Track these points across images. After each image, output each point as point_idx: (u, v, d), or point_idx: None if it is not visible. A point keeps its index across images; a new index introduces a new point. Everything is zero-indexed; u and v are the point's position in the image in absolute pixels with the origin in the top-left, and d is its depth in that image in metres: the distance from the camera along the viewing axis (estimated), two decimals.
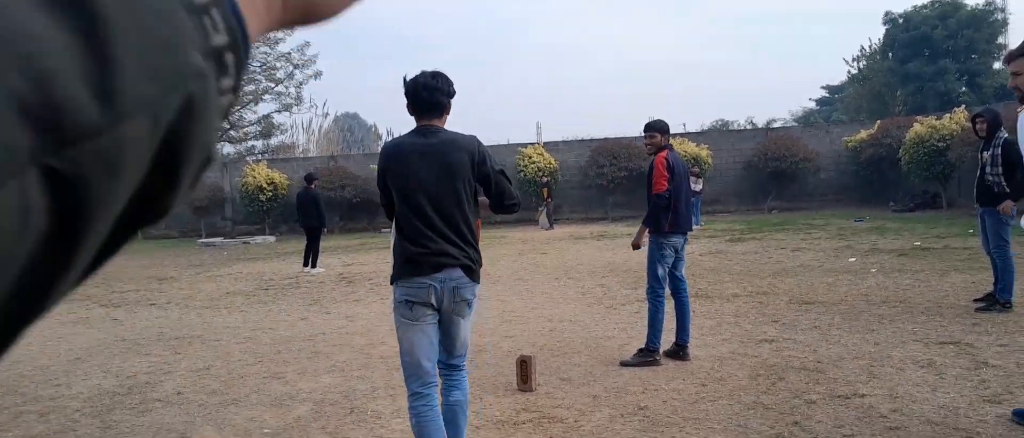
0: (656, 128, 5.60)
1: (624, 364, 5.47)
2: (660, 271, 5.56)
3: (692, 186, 18.53)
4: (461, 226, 3.20)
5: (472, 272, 3.23)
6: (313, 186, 13.68)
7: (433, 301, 3.13)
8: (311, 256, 13.26)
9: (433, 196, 3.15)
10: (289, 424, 4.56)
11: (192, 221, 26.61)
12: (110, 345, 7.36)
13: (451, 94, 3.30)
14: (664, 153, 5.53)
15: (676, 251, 5.62)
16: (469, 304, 3.23)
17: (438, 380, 3.25)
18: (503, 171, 3.44)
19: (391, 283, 3.28)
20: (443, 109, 3.28)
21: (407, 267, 3.15)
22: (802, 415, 4.20)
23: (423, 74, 3.26)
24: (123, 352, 7.01)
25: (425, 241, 3.13)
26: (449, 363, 3.33)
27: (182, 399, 5.26)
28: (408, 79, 3.27)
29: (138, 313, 9.28)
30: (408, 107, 3.28)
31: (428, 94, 3.22)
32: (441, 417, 3.20)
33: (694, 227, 17.67)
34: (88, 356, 6.81)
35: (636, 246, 5.85)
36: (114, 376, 6.07)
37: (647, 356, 5.49)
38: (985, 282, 7.94)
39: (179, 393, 5.42)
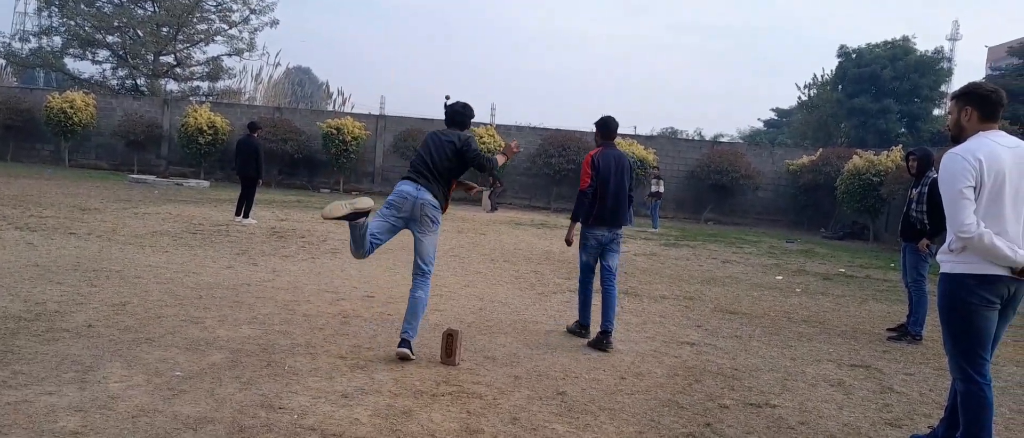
0: (596, 125, 6.14)
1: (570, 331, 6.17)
2: (583, 258, 6.08)
3: (653, 188, 18.81)
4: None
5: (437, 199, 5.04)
6: (256, 135, 13.31)
7: (405, 210, 4.97)
8: (244, 206, 12.92)
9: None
10: (203, 369, 4.44)
11: (125, 155, 25.67)
12: (21, 269, 7.04)
13: (471, 116, 5.50)
14: (593, 151, 5.99)
15: (600, 243, 5.95)
16: (432, 220, 4.99)
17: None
18: (478, 151, 5.25)
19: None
20: (463, 126, 5.43)
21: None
22: (714, 418, 4.30)
23: (459, 102, 5.47)
24: (34, 277, 6.72)
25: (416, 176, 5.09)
26: (420, 268, 5.05)
27: (92, 332, 5.07)
28: (450, 103, 5.49)
29: (55, 240, 8.89)
30: (446, 121, 5.43)
31: (459, 117, 5.41)
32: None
33: (653, 229, 17.71)
34: None
35: (568, 242, 6.16)
36: (22, 301, 5.81)
37: (577, 329, 6.12)
38: (899, 313, 8.27)
39: (90, 326, 5.23)
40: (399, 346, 4.96)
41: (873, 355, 6.20)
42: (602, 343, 5.68)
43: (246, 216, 12.85)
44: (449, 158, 5.13)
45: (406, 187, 4.98)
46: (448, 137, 5.20)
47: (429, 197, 4.96)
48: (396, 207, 4.95)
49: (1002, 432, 4.29)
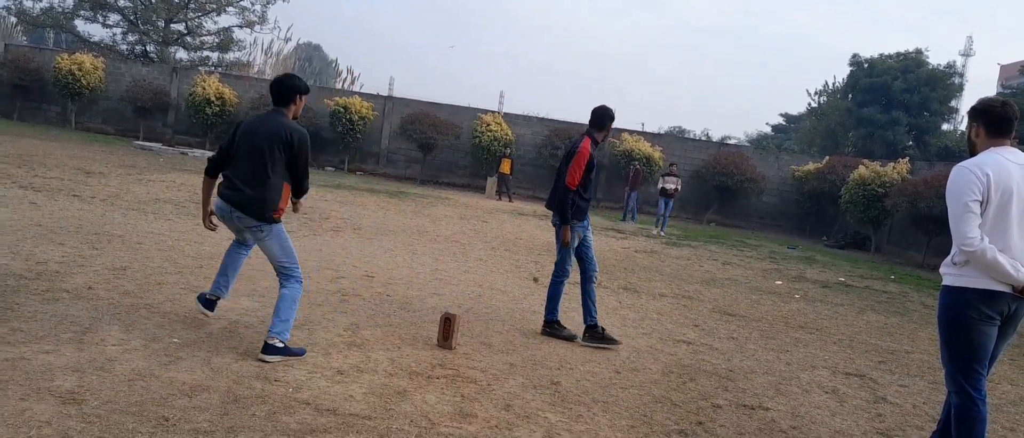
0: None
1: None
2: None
3: (660, 184, 18.57)
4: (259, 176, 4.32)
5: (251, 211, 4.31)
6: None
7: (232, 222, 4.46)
8: None
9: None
10: (200, 337, 4.45)
11: (131, 121, 25.64)
12: (24, 228, 7.06)
13: (302, 90, 4.50)
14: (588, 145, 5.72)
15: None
16: (250, 230, 4.41)
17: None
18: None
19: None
20: (290, 101, 4.45)
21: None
22: (707, 417, 4.31)
23: (288, 75, 4.54)
24: (36, 237, 6.73)
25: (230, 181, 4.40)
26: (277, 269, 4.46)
27: (92, 294, 5.08)
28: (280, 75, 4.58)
29: (59, 202, 8.90)
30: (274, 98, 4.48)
31: (286, 93, 4.44)
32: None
33: (657, 231, 17.32)
34: None
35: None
36: (23, 259, 5.82)
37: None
38: (897, 326, 8.28)
39: (90, 288, 5.24)
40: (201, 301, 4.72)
41: (868, 365, 6.20)
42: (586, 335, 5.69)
43: None
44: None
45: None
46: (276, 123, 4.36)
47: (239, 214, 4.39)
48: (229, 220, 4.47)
49: None
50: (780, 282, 10.92)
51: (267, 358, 4.16)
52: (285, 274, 4.41)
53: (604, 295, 7.59)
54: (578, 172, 5.52)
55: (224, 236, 8.22)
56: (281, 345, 4.23)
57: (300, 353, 4.35)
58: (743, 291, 9.54)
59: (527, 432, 3.69)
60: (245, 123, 4.47)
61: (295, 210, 4.93)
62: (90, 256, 6.27)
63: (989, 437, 3.89)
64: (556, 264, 5.80)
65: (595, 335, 5.61)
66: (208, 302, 4.72)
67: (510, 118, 24.87)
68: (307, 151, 4.41)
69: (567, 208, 5.50)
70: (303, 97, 4.52)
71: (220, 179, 4.49)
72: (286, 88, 4.43)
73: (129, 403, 3.35)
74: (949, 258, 3.61)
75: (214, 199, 4.47)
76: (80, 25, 33.69)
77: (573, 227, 5.54)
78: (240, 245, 4.81)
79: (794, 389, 5.14)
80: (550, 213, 5.82)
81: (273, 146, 4.26)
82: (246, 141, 4.33)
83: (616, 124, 6.10)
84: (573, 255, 5.72)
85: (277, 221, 4.38)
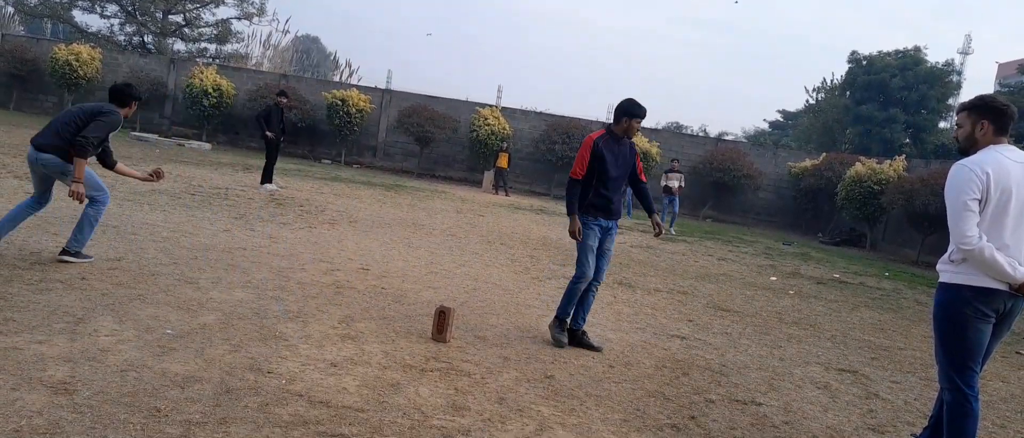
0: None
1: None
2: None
3: (664, 181, 18.38)
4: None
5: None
6: (279, 101, 13.44)
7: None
8: (265, 172, 13.14)
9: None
10: (194, 328, 4.45)
11: None
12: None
13: (135, 97, 6.00)
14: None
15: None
16: (44, 165, 5.61)
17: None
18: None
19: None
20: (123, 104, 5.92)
21: None
22: (699, 412, 4.32)
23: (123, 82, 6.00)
24: (29, 226, 6.71)
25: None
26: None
27: (86, 285, 5.07)
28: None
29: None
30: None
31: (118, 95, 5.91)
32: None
33: (669, 230, 16.94)
34: None
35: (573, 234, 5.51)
36: (16, 248, 5.82)
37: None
38: (891, 322, 8.30)
39: (83, 278, 5.23)
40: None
41: (861, 361, 6.22)
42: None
43: (264, 182, 13.01)
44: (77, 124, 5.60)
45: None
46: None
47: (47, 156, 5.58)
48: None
49: None
50: (775, 278, 10.94)
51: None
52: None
53: (599, 290, 7.59)
54: (578, 162, 5.33)
55: (219, 228, 8.23)
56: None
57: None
58: (738, 287, 9.55)
59: (520, 425, 3.69)
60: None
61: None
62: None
63: (979, 434, 3.91)
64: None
65: (574, 337, 5.41)
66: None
67: (508, 112, 24.86)
68: (102, 122, 5.64)
69: (568, 199, 5.33)
70: (136, 102, 5.98)
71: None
72: (121, 92, 5.85)
73: (121, 394, 3.34)
74: (946, 256, 3.61)
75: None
76: (78, 15, 33.65)
77: (579, 220, 5.24)
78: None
79: (787, 384, 5.16)
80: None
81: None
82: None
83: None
84: (593, 254, 5.31)
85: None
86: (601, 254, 5.41)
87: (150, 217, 8.25)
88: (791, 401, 4.78)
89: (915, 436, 4.18)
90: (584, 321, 5.48)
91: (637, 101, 5.38)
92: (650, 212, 5.63)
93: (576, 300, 5.39)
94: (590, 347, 5.34)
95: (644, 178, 5.66)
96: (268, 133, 13.11)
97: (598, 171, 5.28)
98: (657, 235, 5.64)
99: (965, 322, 3.51)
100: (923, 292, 11.43)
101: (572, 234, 5.28)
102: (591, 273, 5.32)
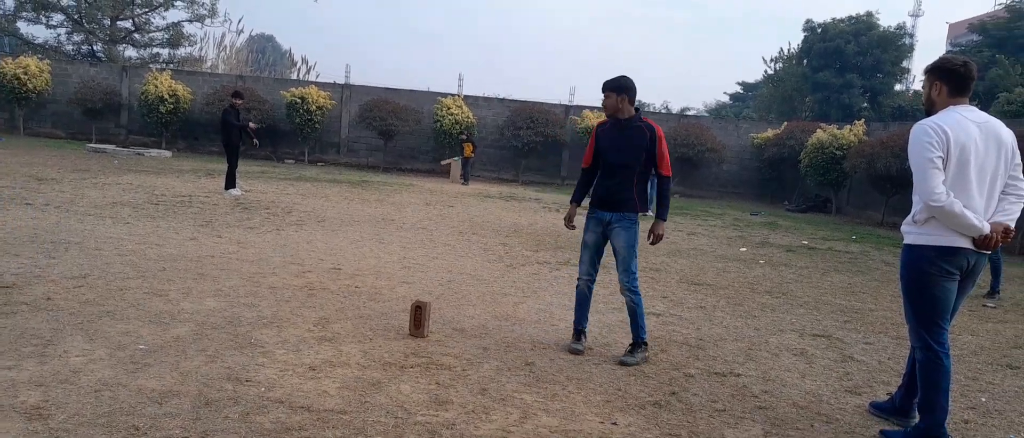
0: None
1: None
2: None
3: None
4: None
5: None
6: (234, 104, 13.16)
7: None
8: (227, 176, 12.95)
9: None
10: (167, 342, 4.38)
11: (82, 123, 24.96)
12: None
13: None
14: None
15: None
16: None
17: None
18: None
19: None
20: None
21: None
22: (680, 387, 4.36)
23: None
24: None
25: None
26: None
27: (52, 305, 4.96)
28: None
29: (11, 211, 8.65)
30: None
31: None
32: None
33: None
34: None
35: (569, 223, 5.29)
36: None
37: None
38: (861, 285, 8.46)
39: (49, 299, 5.11)
40: None
41: (834, 325, 6.33)
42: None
43: (228, 187, 12.79)
44: None
45: None
46: None
47: None
48: None
49: (958, 399, 4.41)
50: (745, 249, 11.08)
51: None
52: None
53: (571, 272, 7.62)
54: (586, 151, 5.07)
55: (186, 237, 8.10)
56: None
57: None
58: (709, 260, 9.65)
59: (503, 415, 3.70)
60: None
61: None
62: (47, 265, 6.12)
63: (952, 387, 4.00)
64: None
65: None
66: None
67: (471, 100, 24.74)
68: None
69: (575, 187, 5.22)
70: None
71: None
72: None
73: (97, 414, 3.28)
74: (910, 217, 3.68)
75: None
76: (23, 27, 32.67)
77: (581, 211, 5.10)
78: None
79: (764, 354, 5.23)
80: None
81: None
82: None
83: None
84: (587, 251, 5.04)
85: None
86: (606, 252, 5.06)
87: (114, 231, 8.08)
88: (769, 370, 4.85)
89: (891, 395, 4.27)
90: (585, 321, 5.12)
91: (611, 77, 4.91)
92: (656, 213, 4.96)
93: (579, 304, 5.07)
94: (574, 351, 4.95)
95: (663, 169, 4.86)
96: (251, 124, 13.30)
97: (593, 158, 5.02)
98: (651, 242, 4.97)
99: (931, 281, 3.59)
100: (890, 253, 11.66)
101: (565, 222, 5.25)
102: (583, 272, 5.05)
